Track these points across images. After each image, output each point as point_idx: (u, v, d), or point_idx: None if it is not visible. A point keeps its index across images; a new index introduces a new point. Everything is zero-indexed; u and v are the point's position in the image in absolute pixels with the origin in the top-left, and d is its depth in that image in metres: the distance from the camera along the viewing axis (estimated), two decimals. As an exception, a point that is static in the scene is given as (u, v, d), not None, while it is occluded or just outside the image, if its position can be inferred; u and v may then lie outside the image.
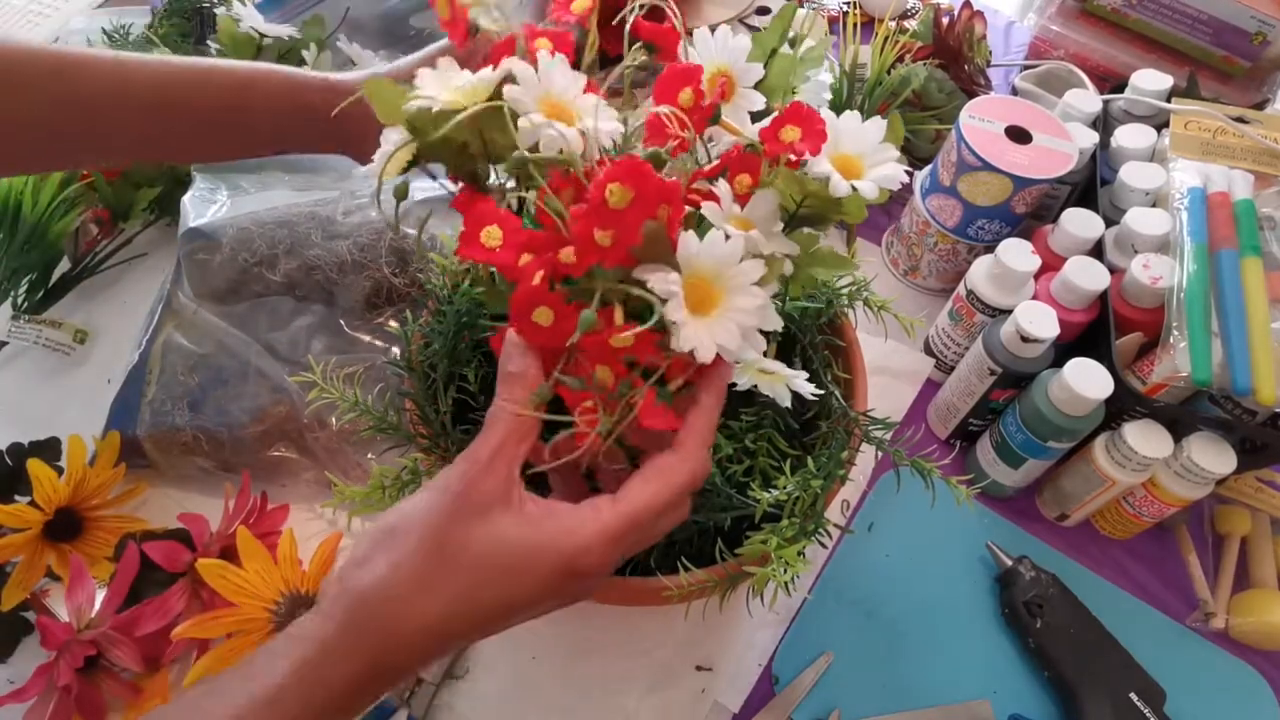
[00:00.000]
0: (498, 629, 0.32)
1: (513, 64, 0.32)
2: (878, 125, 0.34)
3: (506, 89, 0.31)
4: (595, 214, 0.29)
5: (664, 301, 0.30)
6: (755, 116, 0.37)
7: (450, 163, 0.34)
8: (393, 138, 0.33)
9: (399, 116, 0.33)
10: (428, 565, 0.30)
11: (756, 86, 0.37)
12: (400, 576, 0.30)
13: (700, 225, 0.32)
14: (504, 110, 0.32)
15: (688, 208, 0.32)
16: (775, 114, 0.33)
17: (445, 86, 0.32)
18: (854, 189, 0.33)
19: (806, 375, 0.38)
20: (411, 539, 0.30)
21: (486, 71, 0.32)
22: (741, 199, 0.34)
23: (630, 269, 0.31)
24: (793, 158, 0.33)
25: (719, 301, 0.32)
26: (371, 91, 0.32)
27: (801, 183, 0.33)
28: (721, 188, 0.33)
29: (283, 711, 0.28)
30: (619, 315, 0.31)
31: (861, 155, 0.34)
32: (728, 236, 0.31)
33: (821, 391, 0.42)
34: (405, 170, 0.34)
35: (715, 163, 0.35)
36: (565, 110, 0.32)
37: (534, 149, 0.31)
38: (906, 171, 0.35)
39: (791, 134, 0.32)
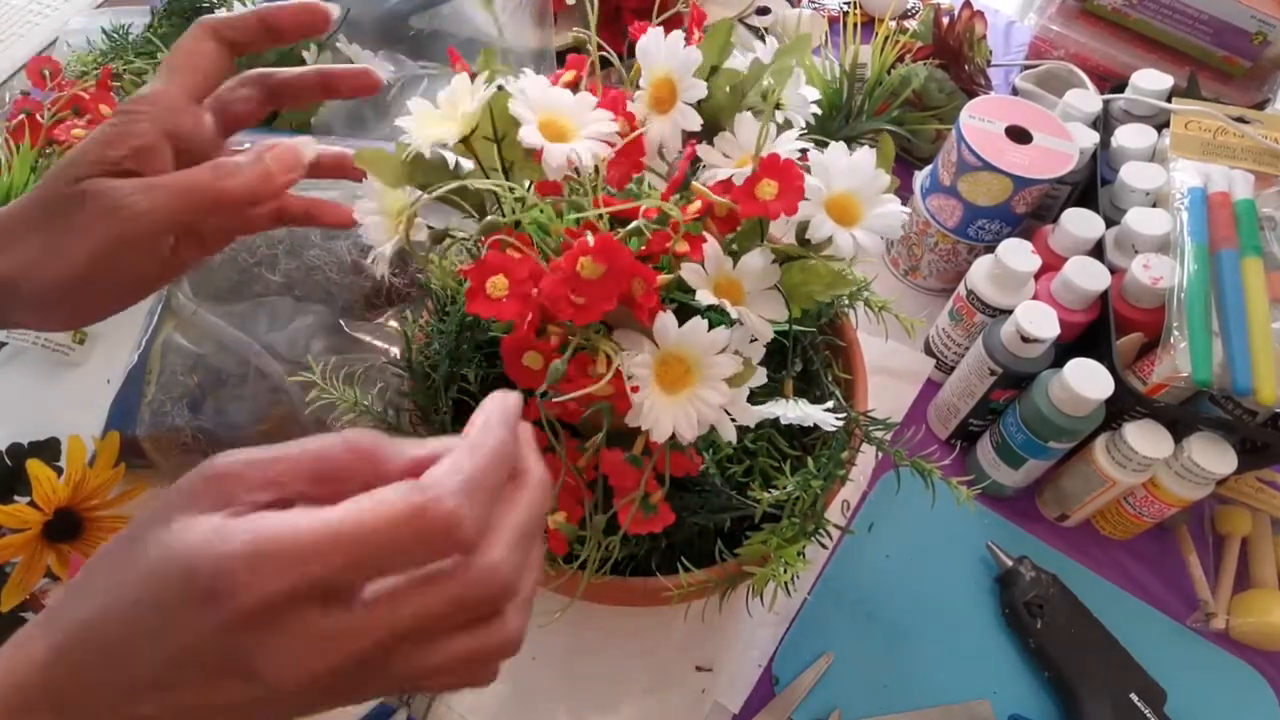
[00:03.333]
0: (128, 698, 0.22)
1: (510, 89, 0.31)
2: (868, 155, 0.32)
3: (510, 103, 0.31)
4: (567, 281, 0.28)
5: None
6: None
7: (467, 201, 0.33)
8: (370, 205, 0.33)
9: (402, 177, 0.32)
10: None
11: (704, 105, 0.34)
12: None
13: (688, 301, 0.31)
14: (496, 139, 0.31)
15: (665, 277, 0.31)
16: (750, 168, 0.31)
17: (439, 121, 0.32)
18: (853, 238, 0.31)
19: (827, 406, 0.38)
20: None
21: (480, 94, 0.31)
22: (720, 224, 0.32)
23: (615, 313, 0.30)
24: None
25: (692, 383, 0.30)
26: (364, 161, 0.32)
27: (794, 252, 0.32)
28: (709, 248, 0.30)
29: None
30: (602, 364, 0.30)
31: (856, 190, 0.32)
32: (709, 310, 0.30)
33: (842, 421, 0.41)
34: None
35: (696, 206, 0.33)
36: (562, 126, 0.32)
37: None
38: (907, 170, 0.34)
39: (768, 190, 0.30)
